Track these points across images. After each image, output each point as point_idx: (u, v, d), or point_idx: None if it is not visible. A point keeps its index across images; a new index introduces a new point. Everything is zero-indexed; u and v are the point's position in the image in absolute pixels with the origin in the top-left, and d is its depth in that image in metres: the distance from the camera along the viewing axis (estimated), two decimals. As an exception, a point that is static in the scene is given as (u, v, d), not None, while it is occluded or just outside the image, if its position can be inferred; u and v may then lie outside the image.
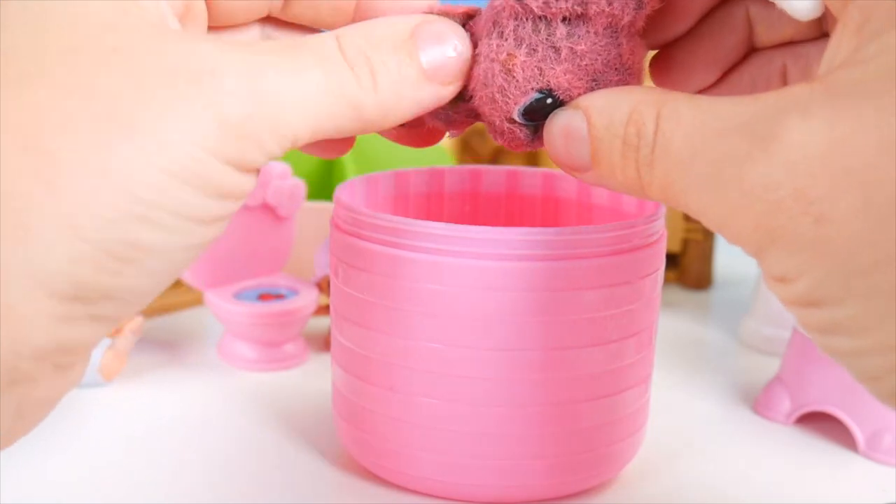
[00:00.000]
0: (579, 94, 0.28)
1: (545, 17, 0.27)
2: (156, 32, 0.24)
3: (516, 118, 0.28)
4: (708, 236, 0.66)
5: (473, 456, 0.36)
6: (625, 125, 0.25)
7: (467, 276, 0.34)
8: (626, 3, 0.27)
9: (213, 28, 0.30)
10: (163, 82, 0.23)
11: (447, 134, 0.32)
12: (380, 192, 0.43)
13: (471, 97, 0.29)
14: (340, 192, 0.39)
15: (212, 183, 0.23)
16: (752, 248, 0.23)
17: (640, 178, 0.25)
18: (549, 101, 0.28)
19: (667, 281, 0.66)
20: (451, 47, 0.28)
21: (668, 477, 0.41)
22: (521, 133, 0.29)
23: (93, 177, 0.22)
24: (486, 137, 0.73)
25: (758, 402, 0.48)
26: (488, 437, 0.36)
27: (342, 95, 0.25)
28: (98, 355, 0.47)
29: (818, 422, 0.46)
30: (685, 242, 0.66)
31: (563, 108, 0.28)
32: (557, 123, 0.27)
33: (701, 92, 0.31)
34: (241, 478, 0.40)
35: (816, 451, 0.44)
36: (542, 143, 0.29)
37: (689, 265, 0.67)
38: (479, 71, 0.29)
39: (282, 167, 0.54)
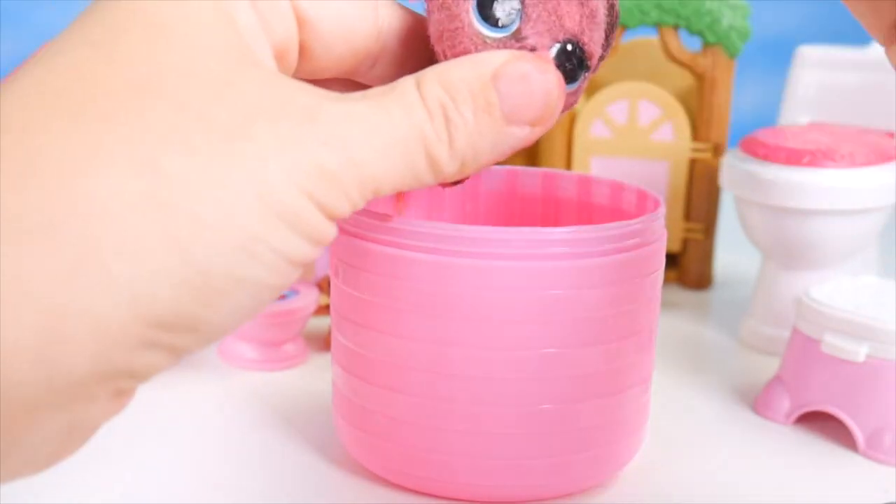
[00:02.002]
0: None
1: None
2: (262, 74, 0.24)
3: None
4: (708, 236, 0.66)
5: (473, 456, 0.36)
6: None
7: (467, 276, 0.34)
8: None
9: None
10: (270, 122, 0.23)
11: None
12: (380, 192, 0.43)
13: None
14: (340, 192, 0.39)
15: (306, 225, 0.23)
16: None
17: None
18: None
19: (667, 281, 0.66)
20: (539, 86, 0.26)
21: (668, 477, 0.41)
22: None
23: (207, 204, 0.22)
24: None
25: (758, 401, 0.48)
26: (488, 437, 0.36)
27: (422, 149, 0.25)
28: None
29: (818, 422, 0.46)
30: (685, 242, 0.66)
31: None
32: None
33: None
34: (240, 478, 0.40)
35: (816, 451, 0.44)
36: None
37: (689, 265, 0.67)
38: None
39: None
